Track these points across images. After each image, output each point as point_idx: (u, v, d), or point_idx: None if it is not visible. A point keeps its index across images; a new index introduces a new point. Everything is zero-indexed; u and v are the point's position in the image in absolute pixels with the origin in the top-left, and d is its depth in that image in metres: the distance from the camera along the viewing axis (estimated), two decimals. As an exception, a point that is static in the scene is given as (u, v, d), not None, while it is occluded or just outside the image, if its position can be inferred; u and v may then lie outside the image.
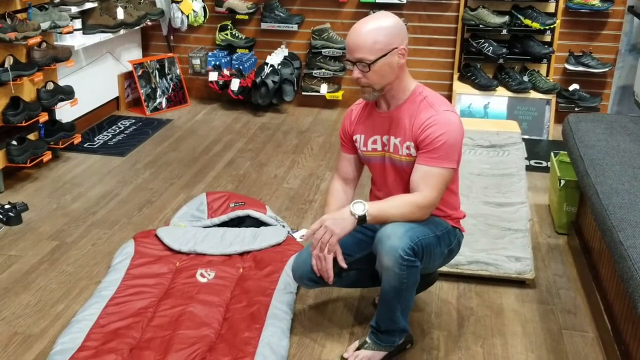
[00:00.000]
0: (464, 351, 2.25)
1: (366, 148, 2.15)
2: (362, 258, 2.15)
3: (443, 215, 2.12)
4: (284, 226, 2.91)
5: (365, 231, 2.14)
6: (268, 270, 2.55)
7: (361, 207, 1.96)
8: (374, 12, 2.21)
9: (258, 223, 2.90)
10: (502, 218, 2.73)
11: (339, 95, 4.74)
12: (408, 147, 2.04)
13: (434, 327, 2.37)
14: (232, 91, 4.65)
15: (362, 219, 1.96)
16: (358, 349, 2.17)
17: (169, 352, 2.09)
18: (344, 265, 2.03)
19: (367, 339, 2.17)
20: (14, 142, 3.38)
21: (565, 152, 3.09)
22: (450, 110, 2.03)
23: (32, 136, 3.54)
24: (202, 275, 2.52)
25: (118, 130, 4.33)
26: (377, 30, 1.96)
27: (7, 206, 3.12)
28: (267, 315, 2.29)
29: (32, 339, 2.28)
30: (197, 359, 2.08)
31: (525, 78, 4.35)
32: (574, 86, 4.45)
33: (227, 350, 2.12)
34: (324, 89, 4.74)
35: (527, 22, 4.27)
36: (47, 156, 3.57)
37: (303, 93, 4.81)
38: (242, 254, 2.68)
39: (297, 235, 2.93)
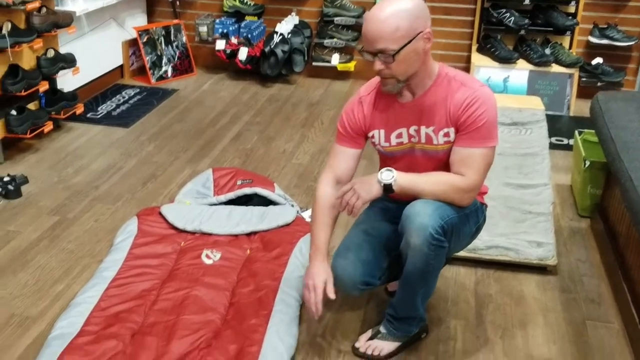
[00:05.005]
0: (482, 342, 2.14)
1: (389, 143, 1.95)
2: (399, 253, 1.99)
3: None
4: (292, 205, 2.78)
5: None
6: (276, 253, 2.43)
7: (389, 175, 1.81)
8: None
9: (266, 201, 2.78)
10: (524, 200, 2.60)
11: (351, 66, 4.57)
12: (447, 134, 1.87)
13: (451, 316, 2.25)
14: (240, 61, 4.49)
15: (387, 188, 1.81)
16: (371, 338, 2.06)
17: (172, 339, 1.98)
18: (332, 296, 1.90)
19: (382, 328, 2.05)
20: (14, 112, 3.26)
21: (590, 131, 2.94)
22: (483, 85, 1.88)
23: (32, 106, 3.42)
24: (208, 257, 2.41)
25: (122, 100, 4.19)
26: (398, 14, 1.74)
27: (6, 179, 3.01)
28: (275, 300, 2.18)
29: (30, 320, 2.18)
30: (202, 346, 1.97)
31: (547, 51, 4.16)
32: (598, 60, 4.26)
33: (233, 337, 2.02)
34: (335, 59, 4.56)
35: (551, -9, 4.08)
36: (49, 127, 3.46)
37: (313, 63, 4.64)
38: (249, 235, 2.56)
39: (306, 215, 2.80)
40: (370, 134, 1.97)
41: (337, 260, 1.97)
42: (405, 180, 1.83)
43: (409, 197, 1.87)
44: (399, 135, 1.93)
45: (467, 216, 1.92)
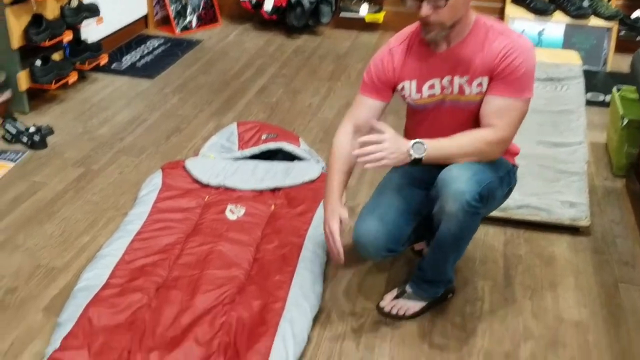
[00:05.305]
0: (511, 303, 2.09)
1: (421, 95, 1.86)
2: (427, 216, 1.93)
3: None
4: (318, 161, 2.73)
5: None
6: (301, 209, 2.40)
7: (420, 150, 1.72)
8: None
9: (291, 157, 2.73)
10: (558, 159, 2.51)
11: (379, 17, 4.43)
12: (480, 85, 1.79)
13: (479, 276, 2.21)
14: (266, 11, 4.38)
15: (416, 162, 1.74)
16: (396, 297, 2.03)
17: (196, 293, 1.97)
18: (345, 216, 1.85)
19: (408, 288, 2.02)
20: (38, 63, 3.23)
21: (630, 87, 2.82)
22: (522, 35, 1.79)
23: (56, 56, 3.38)
24: (232, 212, 2.38)
25: (146, 51, 4.13)
26: None
27: (31, 129, 3.00)
28: (299, 258, 2.15)
29: (56, 271, 2.19)
30: (225, 301, 1.96)
31: (585, 3, 3.97)
32: (638, 13, 4.07)
33: (257, 293, 2.00)
34: (364, 10, 4.43)
35: (592, -62, 3.87)
36: (73, 77, 3.43)
37: (341, 14, 4.52)
38: (273, 190, 2.52)
39: (332, 171, 2.76)
40: (400, 86, 1.89)
41: (361, 226, 1.90)
42: (436, 150, 1.74)
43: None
44: (432, 87, 1.85)
45: (501, 179, 1.86)
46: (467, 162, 1.78)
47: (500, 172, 1.85)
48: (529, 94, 1.78)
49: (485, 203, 1.79)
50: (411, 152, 1.73)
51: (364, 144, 1.73)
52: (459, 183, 1.73)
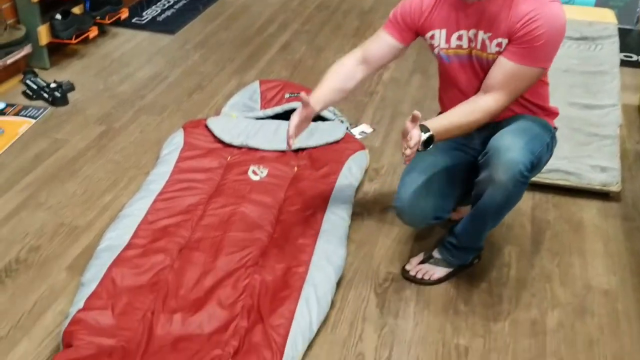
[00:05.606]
0: (538, 270, 2.05)
1: (449, 45, 1.79)
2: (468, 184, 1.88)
3: (547, 109, 1.87)
4: (342, 121, 2.68)
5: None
6: (324, 171, 2.36)
7: (429, 145, 1.65)
8: None
9: (314, 117, 2.67)
10: (590, 122, 2.43)
11: (405, -29, 4.29)
12: (499, 44, 1.71)
13: (505, 241, 2.17)
14: (289, -36, 4.26)
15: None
16: (422, 262, 2.00)
17: (219, 255, 1.96)
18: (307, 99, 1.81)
19: (436, 254, 1.98)
20: (58, 16, 3.18)
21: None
22: (556, 1, 1.68)
23: (77, 10, 3.33)
24: (255, 173, 2.35)
25: (167, 5, 4.06)
26: None
27: (52, 85, 2.97)
28: (322, 220, 2.12)
29: (78, 230, 2.19)
30: (248, 264, 1.95)
31: (622, -44, 3.82)
32: (678, -33, 3.89)
33: (280, 256, 1.98)
34: (389, -37, 4.29)
35: None
36: (94, 32, 3.38)
37: (366, -32, 4.38)
38: (296, 151, 2.48)
39: (356, 132, 2.71)
40: (429, 34, 1.82)
41: (407, 194, 1.84)
42: (440, 136, 1.67)
43: None
44: (460, 38, 1.78)
45: (548, 146, 1.81)
46: (517, 127, 1.74)
47: (547, 137, 1.80)
48: (545, 64, 1.70)
49: (533, 171, 1.75)
50: (421, 143, 1.63)
51: (412, 152, 1.62)
52: (512, 152, 1.67)
